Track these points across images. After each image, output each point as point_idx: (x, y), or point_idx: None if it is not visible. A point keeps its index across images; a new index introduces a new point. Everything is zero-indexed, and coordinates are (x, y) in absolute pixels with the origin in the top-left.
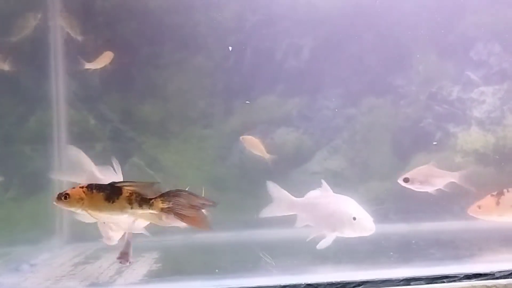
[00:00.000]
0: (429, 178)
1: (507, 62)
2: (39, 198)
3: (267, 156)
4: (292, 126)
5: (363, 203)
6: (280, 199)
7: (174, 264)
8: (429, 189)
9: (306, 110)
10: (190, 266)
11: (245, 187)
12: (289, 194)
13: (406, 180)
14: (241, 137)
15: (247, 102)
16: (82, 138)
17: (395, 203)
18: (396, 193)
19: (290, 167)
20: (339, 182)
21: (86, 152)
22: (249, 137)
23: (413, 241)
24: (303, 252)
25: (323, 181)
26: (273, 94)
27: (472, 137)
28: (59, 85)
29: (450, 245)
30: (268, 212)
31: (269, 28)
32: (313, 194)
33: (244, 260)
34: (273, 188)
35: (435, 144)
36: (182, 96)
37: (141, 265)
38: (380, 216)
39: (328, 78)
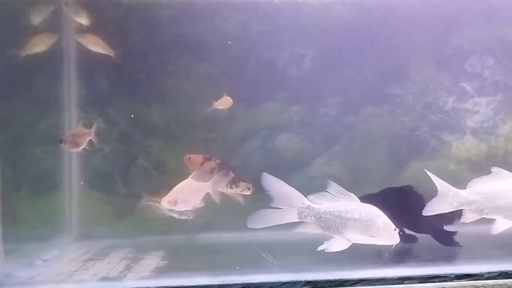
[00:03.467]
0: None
1: (500, 74)
2: (49, 197)
3: (112, 52)
4: (293, 132)
5: None
6: (445, 193)
7: (179, 261)
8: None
9: (307, 117)
10: (195, 263)
11: None
12: (452, 187)
13: (60, 141)
14: (77, 36)
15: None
16: (91, 140)
17: None
18: None
19: (290, 171)
20: None
21: (94, 154)
22: (88, 34)
23: None
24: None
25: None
26: (275, 101)
27: (465, 146)
28: (70, 89)
29: (442, 247)
30: (431, 209)
31: (272, 38)
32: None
33: (245, 259)
34: (436, 180)
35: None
36: (187, 101)
37: (149, 262)
38: None
39: (328, 86)
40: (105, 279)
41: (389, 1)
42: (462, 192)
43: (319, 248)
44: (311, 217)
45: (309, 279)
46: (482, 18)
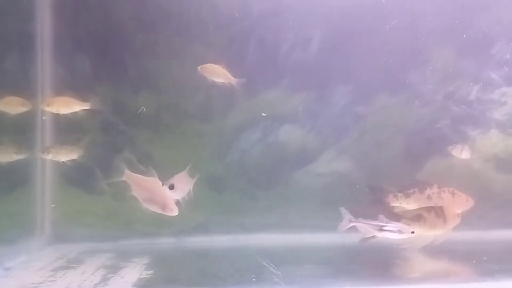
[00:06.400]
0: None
1: None
2: (18, 195)
3: (234, 80)
4: (297, 123)
5: None
6: None
7: (167, 271)
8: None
9: (313, 107)
10: (184, 273)
11: (244, 187)
12: None
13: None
14: (199, 67)
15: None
16: (69, 129)
17: None
18: None
19: (293, 168)
20: (345, 185)
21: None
22: (209, 65)
23: None
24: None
25: None
26: (278, 88)
27: (491, 141)
28: (45, 72)
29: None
30: None
31: (275, 18)
32: None
33: (243, 268)
34: None
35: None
36: (179, 87)
37: (131, 272)
38: None
39: (338, 73)
40: None
41: None
42: None
43: None
44: None
45: None
46: None
